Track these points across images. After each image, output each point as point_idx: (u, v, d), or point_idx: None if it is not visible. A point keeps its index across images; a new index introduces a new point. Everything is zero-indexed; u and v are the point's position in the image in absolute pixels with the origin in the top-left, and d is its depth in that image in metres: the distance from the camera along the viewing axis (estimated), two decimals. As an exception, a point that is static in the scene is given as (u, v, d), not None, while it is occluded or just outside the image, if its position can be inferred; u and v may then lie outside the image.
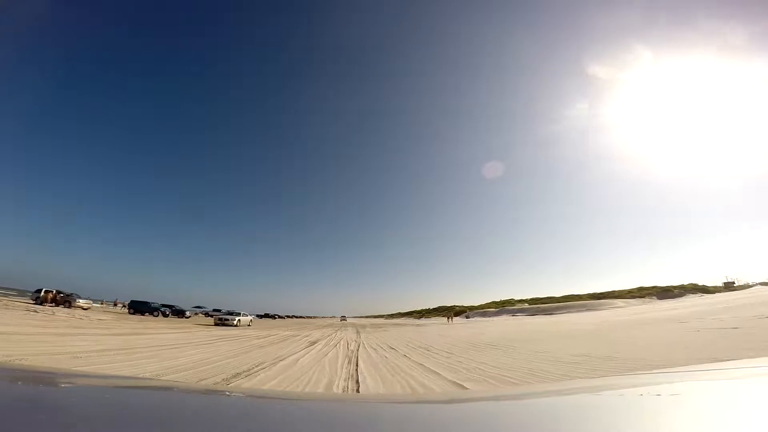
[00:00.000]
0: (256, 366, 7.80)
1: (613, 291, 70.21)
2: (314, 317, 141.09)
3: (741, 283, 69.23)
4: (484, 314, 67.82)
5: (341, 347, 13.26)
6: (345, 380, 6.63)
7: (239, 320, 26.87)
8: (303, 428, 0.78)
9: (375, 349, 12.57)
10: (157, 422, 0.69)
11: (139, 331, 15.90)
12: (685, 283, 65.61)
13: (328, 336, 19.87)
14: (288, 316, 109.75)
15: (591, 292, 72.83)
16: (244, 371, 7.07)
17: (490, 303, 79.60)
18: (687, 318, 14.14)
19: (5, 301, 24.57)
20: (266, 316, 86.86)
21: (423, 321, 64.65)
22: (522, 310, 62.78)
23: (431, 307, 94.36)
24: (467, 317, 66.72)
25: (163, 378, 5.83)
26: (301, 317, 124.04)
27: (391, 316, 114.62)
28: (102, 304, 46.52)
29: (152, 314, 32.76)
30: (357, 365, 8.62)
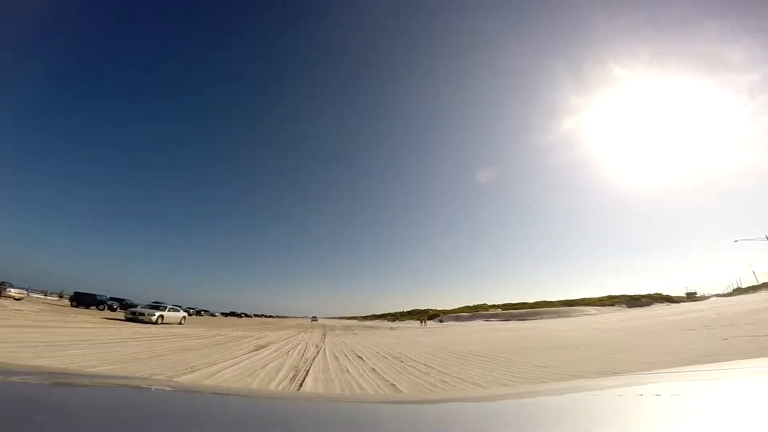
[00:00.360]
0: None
1: (584, 299, 70.38)
2: (286, 317, 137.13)
3: (698, 295, 71.47)
4: (458, 318, 66.47)
5: (294, 354, 10.53)
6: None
7: (161, 316, 20.67)
8: (303, 428, 0.78)
9: (337, 358, 9.93)
10: (157, 422, 0.69)
11: (41, 324, 12.84)
12: (651, 293, 66.80)
13: (286, 339, 16.98)
14: (257, 315, 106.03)
15: (562, 299, 73.01)
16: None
17: (463, 307, 78.37)
18: (703, 325, 12.32)
19: None
20: (232, 314, 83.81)
21: (396, 324, 62.22)
22: (495, 315, 61.76)
23: (405, 310, 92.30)
24: (441, 321, 64.98)
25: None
26: (271, 317, 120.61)
27: (365, 317, 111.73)
28: (45, 295, 42.15)
29: (98, 307, 29.94)
30: (302, 384, 6.01)
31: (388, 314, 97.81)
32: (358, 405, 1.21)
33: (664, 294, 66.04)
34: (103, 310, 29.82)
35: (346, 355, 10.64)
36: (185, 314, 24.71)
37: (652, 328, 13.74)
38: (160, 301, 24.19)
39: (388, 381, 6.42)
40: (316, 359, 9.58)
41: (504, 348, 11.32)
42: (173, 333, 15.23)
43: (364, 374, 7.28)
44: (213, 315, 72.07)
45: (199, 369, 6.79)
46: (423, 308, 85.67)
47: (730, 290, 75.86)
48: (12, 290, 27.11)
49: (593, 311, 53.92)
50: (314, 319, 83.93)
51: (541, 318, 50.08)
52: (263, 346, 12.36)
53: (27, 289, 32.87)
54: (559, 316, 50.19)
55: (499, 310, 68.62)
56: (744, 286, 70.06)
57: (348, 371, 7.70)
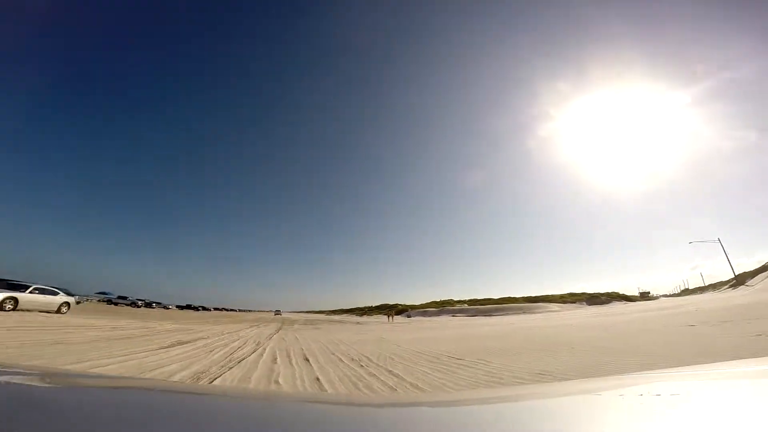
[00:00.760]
0: None
1: (546, 295, 71.30)
2: (250, 311, 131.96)
3: (651, 295, 74.88)
4: (425, 314, 65.35)
5: (218, 354, 7.86)
6: None
7: (11, 299, 14.15)
8: (303, 429, 0.77)
9: (275, 360, 7.46)
10: (157, 422, 0.69)
11: None
12: (608, 291, 68.79)
13: (226, 334, 14.14)
14: (219, 309, 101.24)
15: (526, 295, 73.69)
16: None
17: (430, 303, 77.36)
18: (701, 321, 10.86)
19: None
20: (188, 307, 79.79)
21: (364, 319, 59.96)
22: (462, 311, 61.09)
23: (374, 305, 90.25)
24: (409, 316, 63.44)
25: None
26: (233, 310, 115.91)
27: (333, 312, 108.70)
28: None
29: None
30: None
31: (357, 309, 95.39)
32: (359, 405, 1.20)
33: (621, 293, 68.19)
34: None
35: (289, 357, 8.13)
36: (69, 299, 18.13)
37: (644, 324, 12.23)
38: (21, 281, 16.66)
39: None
40: (244, 361, 7.01)
41: (483, 348, 9.25)
42: (48, 324, 11.65)
43: (303, 387, 4.86)
44: (166, 307, 68.29)
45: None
46: (391, 303, 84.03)
47: (677, 291, 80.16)
48: None
49: (556, 308, 54.22)
50: (277, 312, 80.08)
51: (507, 313, 49.62)
52: (186, 342, 9.58)
53: None
54: (524, 312, 50.02)
55: (466, 306, 68.18)
56: (691, 287, 74.09)
57: (278, 381, 5.24)
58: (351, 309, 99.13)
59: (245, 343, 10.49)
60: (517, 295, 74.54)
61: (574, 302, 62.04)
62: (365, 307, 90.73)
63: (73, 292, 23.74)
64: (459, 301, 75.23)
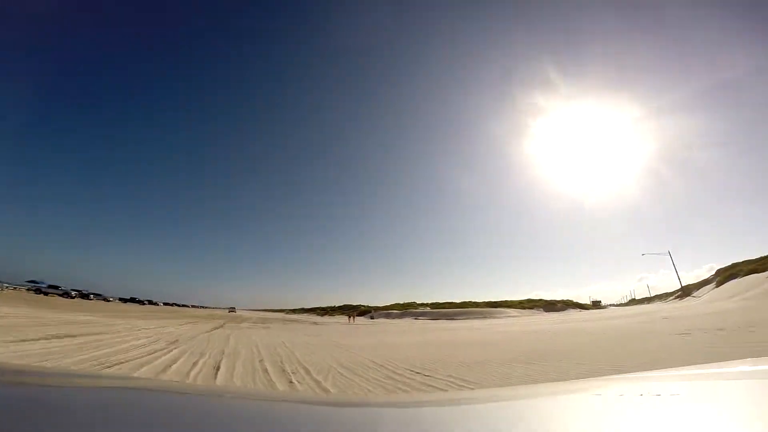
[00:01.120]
0: None
1: (506, 301, 72.12)
2: (205, 307, 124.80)
3: (602, 304, 78.16)
4: (388, 315, 63.80)
5: (98, 352, 5.48)
6: None
7: None
8: (303, 429, 0.76)
9: (169, 369, 5.17)
10: (157, 422, 0.68)
11: None
12: (563, 299, 70.86)
13: (144, 330, 11.46)
14: (169, 304, 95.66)
15: (486, 300, 74.17)
16: None
17: (394, 305, 76.00)
18: (686, 329, 9.81)
19: None
20: (132, 300, 74.66)
21: (324, 319, 57.29)
22: (425, 314, 60.11)
23: (337, 305, 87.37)
24: (372, 318, 61.50)
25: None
26: (185, 306, 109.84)
27: (294, 311, 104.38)
28: None
29: None
30: None
31: (318, 308, 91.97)
32: (359, 405, 1.20)
33: (574, 301, 70.40)
34: None
35: (195, 363, 5.91)
36: None
37: (626, 330, 11.09)
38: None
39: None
40: (128, 364, 4.75)
41: (454, 359, 7.50)
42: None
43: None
44: (106, 300, 62.93)
45: None
46: (354, 304, 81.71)
47: (625, 300, 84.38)
48: None
49: (515, 313, 54.61)
50: (232, 310, 75.29)
51: (469, 317, 49.07)
52: (72, 336, 7.07)
53: None
54: (485, 317, 49.68)
55: (429, 309, 67.39)
56: (638, 297, 78.12)
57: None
58: (313, 308, 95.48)
59: (155, 341, 8.11)
60: (478, 300, 74.95)
61: (532, 308, 63.06)
62: (327, 307, 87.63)
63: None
64: (422, 304, 74.42)
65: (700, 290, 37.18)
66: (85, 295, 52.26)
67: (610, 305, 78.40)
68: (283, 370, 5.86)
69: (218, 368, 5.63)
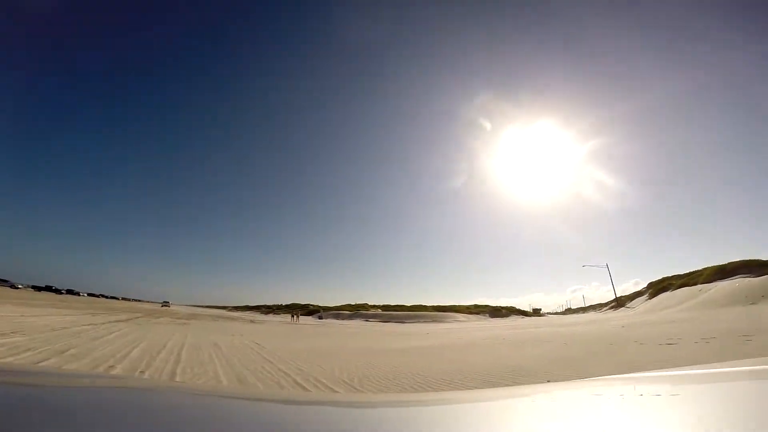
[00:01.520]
0: None
1: (454, 305, 72.56)
2: (139, 301, 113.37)
3: (542, 312, 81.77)
4: (339, 316, 61.10)
5: None
6: None
7: None
8: (303, 429, 0.76)
9: None
10: (157, 422, 0.68)
11: None
12: (507, 306, 72.89)
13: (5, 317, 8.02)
14: (93, 295, 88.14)
15: (435, 304, 74.10)
16: None
17: (345, 305, 73.26)
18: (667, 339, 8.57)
19: None
20: (47, 289, 68.55)
21: (267, 317, 53.07)
22: (375, 316, 58.30)
23: (284, 303, 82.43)
24: (320, 318, 58.27)
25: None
26: (114, 298, 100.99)
27: (237, 308, 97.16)
28: None
29: None
30: None
31: (264, 306, 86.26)
32: (359, 405, 1.18)
33: (517, 308, 72.69)
34: None
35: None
36: None
37: (605, 337, 9.71)
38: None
39: None
40: None
41: (408, 372, 5.34)
42: None
43: None
44: (14, 287, 55.32)
45: None
46: (303, 303, 77.52)
47: (562, 310, 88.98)
48: None
49: (462, 318, 54.69)
50: (165, 304, 68.16)
51: (419, 321, 48.08)
52: None
53: None
54: (434, 321, 49.06)
55: (380, 311, 65.68)
56: (573, 307, 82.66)
57: None
58: (258, 306, 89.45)
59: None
60: (428, 304, 74.58)
61: (479, 314, 63.78)
62: (274, 306, 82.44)
63: None
64: (373, 306, 72.49)
65: (634, 302, 38.99)
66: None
67: (548, 314, 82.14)
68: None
69: None
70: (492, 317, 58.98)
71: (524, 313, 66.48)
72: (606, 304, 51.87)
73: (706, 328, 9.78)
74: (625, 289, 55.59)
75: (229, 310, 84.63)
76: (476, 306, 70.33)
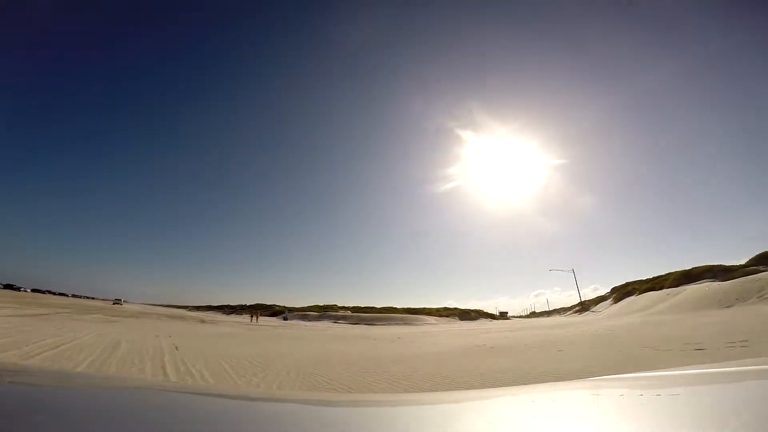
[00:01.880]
0: None
1: (424, 308, 71.43)
2: (92, 298, 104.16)
3: (508, 315, 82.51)
4: (305, 317, 58.17)
5: None
6: None
7: None
8: (303, 429, 0.75)
9: None
10: (157, 422, 0.67)
11: None
12: (475, 309, 72.68)
13: None
14: (37, 290, 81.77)
15: (405, 307, 72.64)
16: None
17: (312, 306, 70.15)
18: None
19: None
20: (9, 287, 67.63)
21: (227, 318, 49.21)
22: (345, 318, 55.96)
23: (248, 304, 77.87)
24: (285, 319, 54.95)
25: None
26: (64, 294, 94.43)
27: (199, 308, 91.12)
28: None
29: None
30: None
31: (227, 306, 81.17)
32: (360, 405, 1.17)
33: (485, 311, 72.67)
34: None
35: None
36: None
37: (611, 341, 8.20)
38: None
39: None
40: None
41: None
42: None
43: None
44: None
45: None
46: (269, 303, 73.49)
47: (526, 313, 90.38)
48: None
49: (433, 321, 53.58)
50: (117, 301, 62.10)
51: (389, 324, 46.26)
52: None
53: None
54: (405, 323, 47.47)
55: (349, 313, 63.28)
56: (538, 311, 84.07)
57: None
58: (221, 306, 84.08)
59: None
60: (397, 306, 72.94)
61: (448, 316, 62.88)
62: (237, 306, 77.69)
63: None
64: (343, 307, 69.86)
65: (598, 306, 39.16)
66: None
67: (513, 317, 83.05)
68: None
69: None
70: (461, 320, 58.21)
71: (492, 316, 66.35)
72: (570, 308, 52.45)
73: (710, 330, 8.57)
74: (584, 294, 56.83)
75: (190, 310, 79.09)
76: (446, 309, 69.46)
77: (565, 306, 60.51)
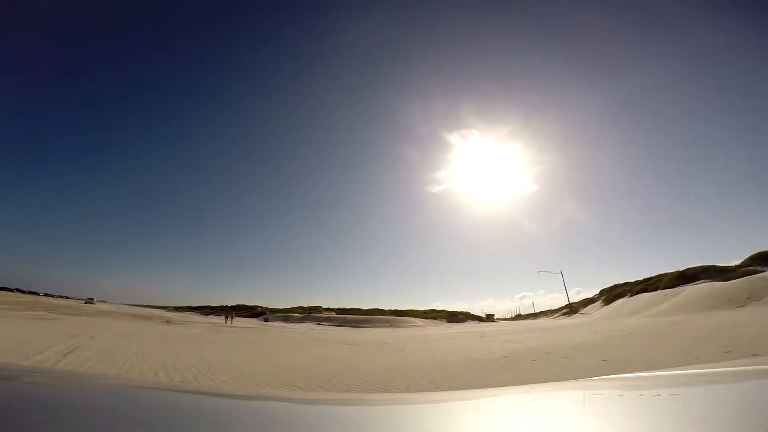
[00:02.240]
0: None
1: (411, 310, 69.71)
2: (67, 297, 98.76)
3: (495, 318, 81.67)
4: (288, 318, 55.70)
5: None
6: None
7: None
8: (303, 429, 0.75)
9: None
10: (157, 422, 0.67)
11: None
12: (462, 311, 71.51)
13: None
14: (10, 289, 77.91)
15: (392, 308, 70.76)
16: None
17: (296, 307, 67.52)
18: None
19: None
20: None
21: (205, 318, 46.39)
22: (329, 319, 53.75)
23: (229, 305, 74.60)
24: (266, 320, 52.34)
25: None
26: (35, 293, 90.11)
27: (178, 308, 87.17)
28: None
29: None
30: None
31: (207, 307, 77.62)
32: (360, 404, 1.17)
33: (472, 313, 71.50)
34: None
35: None
36: None
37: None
38: None
39: None
40: None
41: None
42: None
43: None
44: None
45: None
46: (250, 304, 70.50)
47: (512, 315, 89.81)
48: None
49: (420, 323, 51.88)
50: (89, 301, 58.42)
51: (375, 326, 44.24)
52: None
53: None
54: (392, 326, 45.54)
55: (334, 314, 60.99)
56: (523, 313, 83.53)
57: None
58: (200, 307, 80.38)
59: None
60: (384, 308, 71.01)
61: (436, 318, 61.30)
62: (217, 306, 74.26)
63: None
64: (327, 309, 67.47)
65: (588, 308, 38.18)
66: None
67: (499, 319, 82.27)
68: None
69: None
70: (449, 322, 56.72)
71: (479, 319, 65.15)
72: (557, 311, 51.61)
73: (739, 332, 7.07)
74: (569, 296, 56.10)
75: (169, 311, 75.41)
76: (433, 311, 67.81)
77: (552, 308, 59.79)
